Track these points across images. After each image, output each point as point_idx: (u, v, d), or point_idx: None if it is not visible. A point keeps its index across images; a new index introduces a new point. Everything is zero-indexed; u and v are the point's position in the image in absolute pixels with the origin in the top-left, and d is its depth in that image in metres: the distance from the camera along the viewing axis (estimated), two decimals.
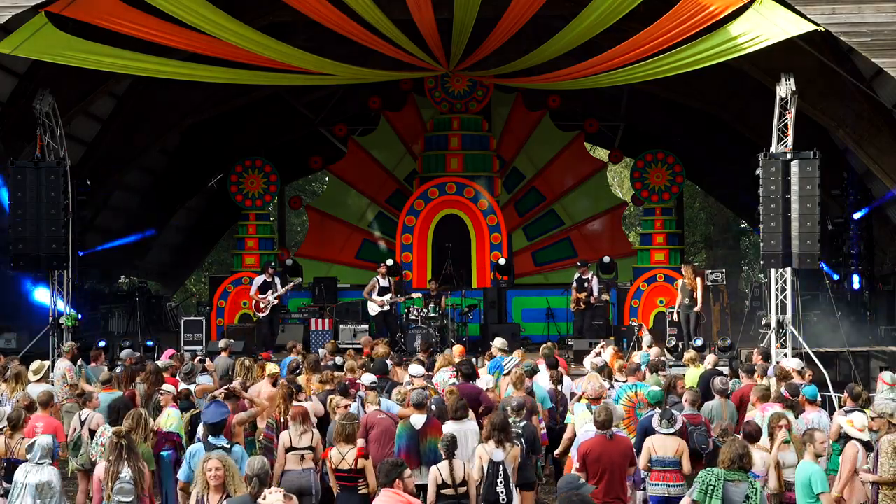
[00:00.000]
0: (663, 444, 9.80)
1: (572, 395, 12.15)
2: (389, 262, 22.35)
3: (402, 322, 20.12)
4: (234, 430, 10.26)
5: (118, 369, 13.69)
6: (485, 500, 9.16)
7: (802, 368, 13.07)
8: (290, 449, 10.02)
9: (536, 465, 11.27)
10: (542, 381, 12.58)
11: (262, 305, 19.78)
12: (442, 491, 8.99)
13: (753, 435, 9.55)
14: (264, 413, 11.28)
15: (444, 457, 9.11)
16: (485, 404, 11.48)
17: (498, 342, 14.51)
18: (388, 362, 13.58)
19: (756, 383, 12.20)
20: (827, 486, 8.58)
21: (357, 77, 21.71)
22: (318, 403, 11.54)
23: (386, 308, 19.75)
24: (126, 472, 8.42)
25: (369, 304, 19.95)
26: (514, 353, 14.31)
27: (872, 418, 9.80)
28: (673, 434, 9.85)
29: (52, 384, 13.85)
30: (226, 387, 11.19)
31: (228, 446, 9.11)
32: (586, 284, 19.98)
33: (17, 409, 10.34)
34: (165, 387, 11.64)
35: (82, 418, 11.30)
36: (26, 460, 8.82)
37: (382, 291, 19.81)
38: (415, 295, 20.04)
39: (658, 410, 10.46)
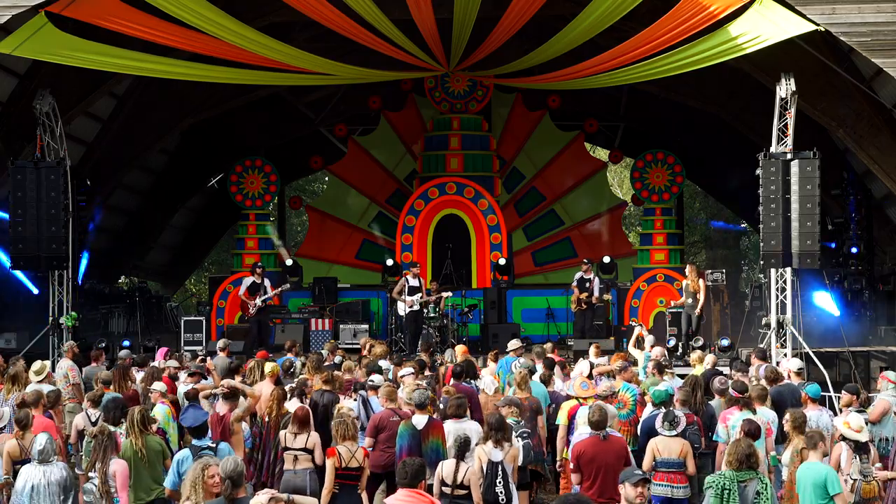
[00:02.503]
0: (667, 446, 9.72)
1: (567, 396, 12.08)
2: (389, 261, 22.39)
3: (402, 323, 19.98)
4: (233, 427, 10.26)
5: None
6: (484, 500, 9.14)
7: (800, 369, 13.02)
8: (284, 449, 10.10)
9: (543, 464, 11.29)
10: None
11: (249, 307, 19.77)
12: (442, 489, 8.98)
13: (754, 433, 9.53)
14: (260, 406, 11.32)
15: (453, 455, 9.05)
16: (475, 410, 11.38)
17: (511, 343, 14.89)
18: (387, 362, 13.62)
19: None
20: (842, 487, 8.50)
21: (357, 77, 21.72)
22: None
23: (416, 308, 19.35)
24: (95, 472, 8.42)
25: (398, 303, 19.68)
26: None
27: None
28: (676, 435, 9.79)
29: (55, 384, 13.84)
30: (224, 385, 11.15)
31: (214, 445, 9.13)
32: (587, 284, 19.95)
33: (24, 410, 10.34)
34: (156, 385, 11.68)
35: (92, 419, 11.23)
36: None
37: (412, 291, 19.47)
38: (445, 294, 19.69)
39: (662, 411, 10.45)
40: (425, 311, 19.41)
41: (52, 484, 8.60)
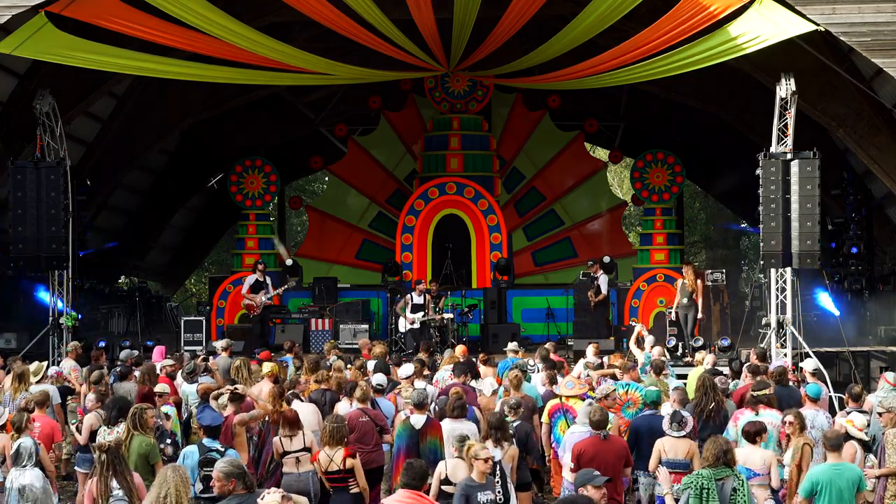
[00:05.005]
0: (674, 447, 9.65)
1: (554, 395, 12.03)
2: (389, 262, 22.39)
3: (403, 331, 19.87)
4: (234, 429, 10.25)
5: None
6: None
7: (816, 370, 12.98)
8: (284, 454, 10.05)
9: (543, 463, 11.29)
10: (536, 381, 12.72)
11: (254, 305, 19.72)
12: (443, 487, 8.95)
13: (752, 435, 9.53)
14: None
15: (455, 455, 9.01)
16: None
17: (511, 345, 14.90)
18: (388, 363, 13.63)
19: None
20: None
21: (357, 77, 21.71)
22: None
23: (416, 326, 19.08)
24: (117, 489, 8.20)
25: (400, 319, 19.58)
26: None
27: (880, 413, 9.77)
28: (684, 437, 9.72)
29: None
30: (232, 388, 11.09)
31: (223, 449, 9.10)
32: (595, 283, 20.03)
33: (20, 413, 10.32)
34: (159, 387, 11.68)
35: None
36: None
37: (416, 308, 19.23)
38: (447, 316, 19.42)
39: (655, 411, 10.45)
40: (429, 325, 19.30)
41: (14, 490, 8.64)
